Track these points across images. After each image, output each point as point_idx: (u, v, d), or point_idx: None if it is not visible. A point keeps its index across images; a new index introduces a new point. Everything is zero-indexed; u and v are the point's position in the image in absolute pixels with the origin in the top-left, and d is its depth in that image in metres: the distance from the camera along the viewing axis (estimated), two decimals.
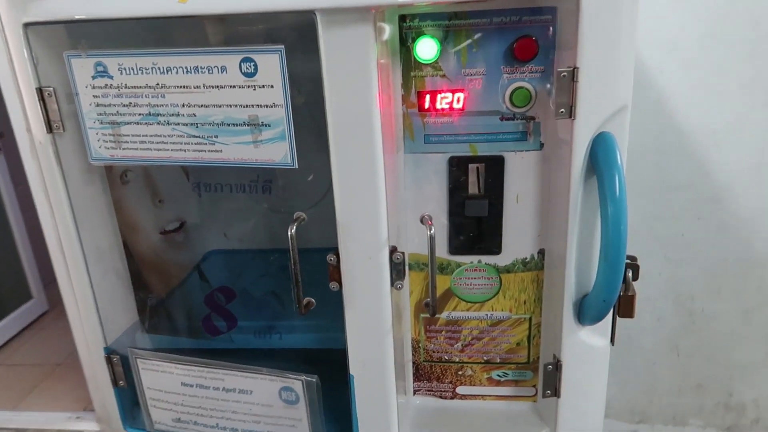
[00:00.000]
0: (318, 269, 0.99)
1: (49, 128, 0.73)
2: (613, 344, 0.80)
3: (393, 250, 0.68)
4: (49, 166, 0.75)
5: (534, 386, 0.85)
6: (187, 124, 0.68)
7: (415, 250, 0.78)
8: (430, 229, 0.66)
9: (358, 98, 0.62)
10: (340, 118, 0.63)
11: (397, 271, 0.69)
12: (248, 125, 0.66)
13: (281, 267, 0.93)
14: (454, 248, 0.78)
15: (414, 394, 0.87)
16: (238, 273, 0.92)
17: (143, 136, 0.70)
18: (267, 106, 0.65)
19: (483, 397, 0.86)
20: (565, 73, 0.65)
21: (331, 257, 0.69)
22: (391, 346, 0.72)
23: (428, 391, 0.87)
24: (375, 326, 0.71)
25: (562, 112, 0.66)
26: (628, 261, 0.75)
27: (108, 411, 2.34)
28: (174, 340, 0.86)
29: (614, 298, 0.70)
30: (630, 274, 0.79)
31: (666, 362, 1.71)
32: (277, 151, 0.66)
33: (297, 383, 0.76)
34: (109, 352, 0.84)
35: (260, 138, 0.66)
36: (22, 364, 2.82)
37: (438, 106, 0.71)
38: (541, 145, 0.72)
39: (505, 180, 0.74)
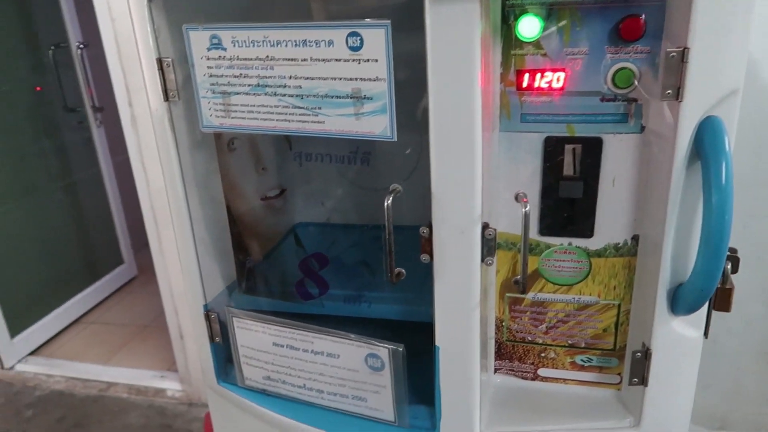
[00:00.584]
0: (403, 246, 1.02)
1: (166, 97, 0.78)
2: (706, 337, 0.78)
3: (485, 227, 0.69)
4: (163, 133, 0.81)
5: (619, 374, 0.84)
6: (293, 96, 0.71)
7: (504, 229, 0.79)
8: (525, 206, 0.67)
9: (461, 75, 0.63)
10: (442, 93, 0.64)
11: (488, 247, 0.70)
12: (351, 98, 0.68)
13: (372, 239, 0.96)
14: (545, 229, 0.78)
15: (495, 372, 0.88)
16: (329, 243, 0.96)
17: (251, 106, 0.74)
18: (370, 79, 0.67)
19: (565, 381, 0.86)
20: (674, 54, 0.63)
21: (423, 230, 0.70)
22: (478, 320, 0.73)
23: (509, 370, 0.88)
24: (463, 300, 0.72)
25: (668, 93, 0.64)
26: (729, 253, 0.73)
27: (190, 372, 2.46)
28: (268, 302, 0.91)
29: (712, 288, 0.68)
30: (729, 266, 0.76)
31: (753, 368, 1.63)
32: (378, 123, 0.68)
33: (383, 351, 0.79)
34: (208, 310, 0.90)
35: (362, 111, 0.68)
36: (113, 324, 3.04)
37: (537, 85, 0.71)
38: (642, 128, 0.71)
39: (602, 162, 0.73)
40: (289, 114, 0.73)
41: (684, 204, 0.69)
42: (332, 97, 0.69)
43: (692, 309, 0.73)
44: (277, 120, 0.74)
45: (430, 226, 0.70)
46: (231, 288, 0.93)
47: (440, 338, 0.75)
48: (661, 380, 0.77)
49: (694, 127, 0.65)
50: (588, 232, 0.77)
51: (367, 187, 0.84)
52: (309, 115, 0.71)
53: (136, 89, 1.92)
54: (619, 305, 0.80)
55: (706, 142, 0.65)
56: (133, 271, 3.50)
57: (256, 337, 0.87)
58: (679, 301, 0.73)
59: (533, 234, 0.78)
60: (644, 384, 0.77)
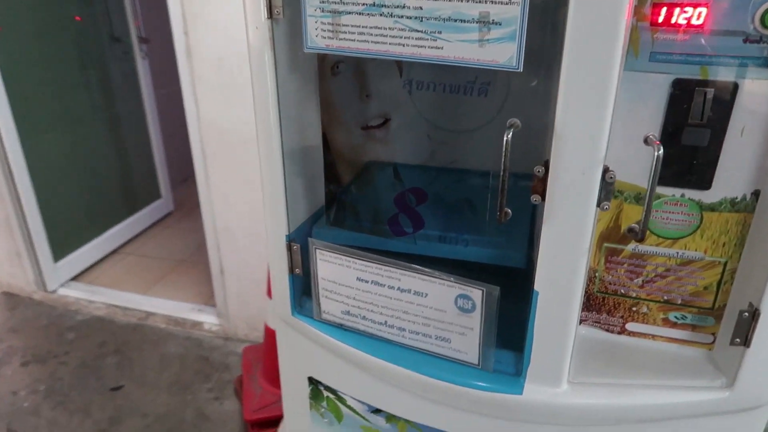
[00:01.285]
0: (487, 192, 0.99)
1: (270, 14, 0.75)
2: None
3: (606, 170, 0.66)
4: (261, 54, 0.78)
5: (713, 334, 0.81)
6: (411, 17, 0.67)
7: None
8: (658, 149, 0.63)
9: (608, 3, 0.58)
10: (583, 21, 0.59)
11: (607, 191, 0.66)
12: (477, 22, 0.64)
13: (475, 181, 0.93)
14: (660, 176, 0.74)
15: (580, 323, 0.86)
16: (428, 181, 0.92)
17: (363, 27, 0.70)
18: (502, 2, 0.62)
19: (654, 336, 0.84)
20: None
21: (538, 169, 0.67)
22: (584, 268, 0.70)
23: (595, 322, 0.86)
24: (573, 244, 0.69)
25: None
26: None
27: (228, 307, 2.49)
28: (355, 236, 0.89)
29: None
30: None
31: None
32: (503, 51, 0.64)
33: (477, 292, 0.77)
34: (290, 240, 0.89)
35: (488, 37, 0.64)
36: (150, 256, 3.08)
37: (674, 20, 0.66)
38: None
39: (733, 109, 0.68)
40: (405, 37, 0.68)
41: None
42: (456, 20, 0.65)
43: None
44: (390, 44, 0.70)
45: (546, 165, 0.67)
46: (316, 217, 0.91)
47: (540, 283, 0.73)
48: (765, 339, 0.74)
49: None
50: (706, 183, 0.73)
51: (479, 125, 0.80)
52: (427, 39, 0.67)
53: (193, 16, 1.87)
54: (726, 263, 0.77)
55: None
56: (170, 206, 3.53)
57: (340, 271, 0.85)
58: None
59: (644, 182, 0.74)
60: (746, 345, 0.75)
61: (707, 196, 0.74)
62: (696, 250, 0.77)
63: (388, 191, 0.92)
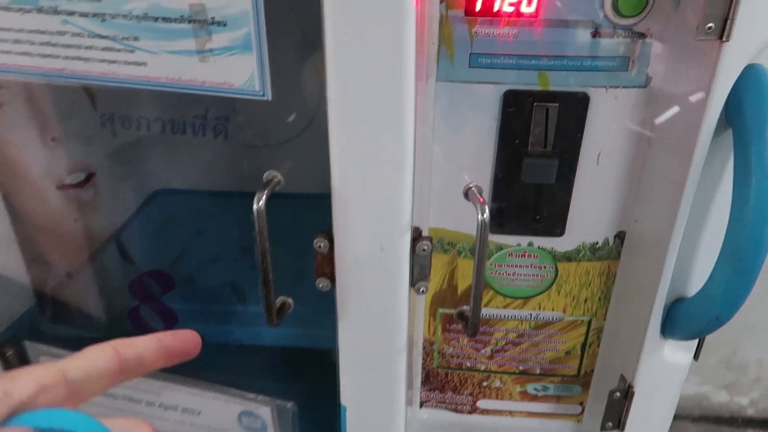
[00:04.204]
0: (297, 223, 0.75)
1: None
2: (696, 359, 0.59)
3: (417, 236, 0.44)
4: None
5: (581, 403, 0.64)
6: (87, 15, 0.41)
7: (438, 224, 0.54)
8: (483, 212, 0.42)
9: None
10: (349, 16, 0.36)
11: (421, 266, 0.45)
12: (190, 22, 0.39)
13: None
14: (497, 225, 0.54)
15: (421, 406, 0.66)
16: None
17: (17, 31, 0.43)
18: None
19: (512, 413, 0.65)
20: None
21: (319, 243, 0.44)
22: (404, 372, 0.49)
23: (440, 402, 0.66)
24: (382, 345, 0.47)
25: (709, 29, 0.40)
26: None
27: None
28: (89, 331, 0.62)
29: (734, 312, 0.48)
30: None
31: None
32: (238, 68, 0.40)
33: (264, 409, 0.53)
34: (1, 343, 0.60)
35: (209, 45, 0.39)
36: None
37: (497, 7, 0.45)
38: (648, 80, 0.47)
39: (585, 130, 0.49)
40: (86, 48, 0.42)
41: (699, 191, 0.48)
42: (157, 19, 0.39)
43: (698, 335, 0.53)
44: (65, 57, 0.43)
45: (329, 237, 0.44)
46: (33, 314, 0.63)
47: (347, 396, 0.51)
48: (641, 421, 0.58)
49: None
50: (558, 229, 0.54)
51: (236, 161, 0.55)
52: (119, 50, 0.41)
53: None
54: (590, 322, 0.59)
55: (748, 101, 0.43)
56: None
57: None
58: (678, 324, 0.53)
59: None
60: (620, 429, 0.58)
61: (562, 243, 0.55)
62: (553, 310, 0.59)
63: (118, 271, 0.65)
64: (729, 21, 0.40)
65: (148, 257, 0.67)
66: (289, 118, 0.44)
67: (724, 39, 0.40)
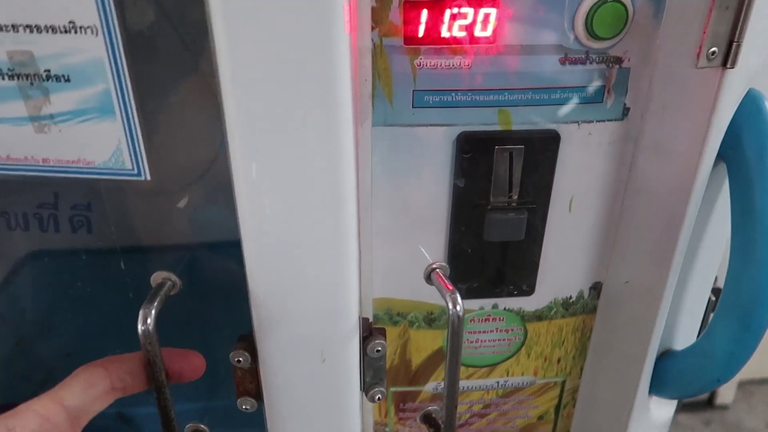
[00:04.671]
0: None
1: None
2: (677, 412, 0.53)
3: (367, 334, 0.34)
4: None
5: None
6: None
7: (384, 294, 0.44)
8: (455, 303, 0.32)
9: (303, 10, 0.24)
10: (259, 50, 0.25)
11: (375, 369, 0.35)
12: (13, 77, 0.26)
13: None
14: (458, 288, 0.44)
15: None
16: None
17: None
18: (61, 30, 0.25)
19: None
20: None
21: (237, 357, 0.33)
22: None
23: None
24: None
25: (713, 53, 0.33)
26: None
27: None
28: None
29: (736, 371, 0.41)
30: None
31: None
32: (95, 139, 0.28)
33: None
34: None
35: (47, 110, 0.27)
36: None
37: (446, 33, 0.35)
38: (625, 112, 0.39)
39: (556, 174, 0.41)
40: None
41: (691, 238, 0.41)
42: None
43: (694, 395, 0.47)
44: None
45: (250, 347, 0.33)
46: None
47: None
48: None
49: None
50: (527, 287, 0.45)
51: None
52: None
53: None
54: (563, 382, 0.52)
55: (748, 133, 0.36)
56: None
57: None
58: (671, 382, 0.46)
59: (429, 296, 0.44)
60: None
61: (531, 303, 0.46)
62: (523, 374, 0.50)
63: None
64: (735, 44, 0.32)
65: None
66: (180, 203, 0.32)
67: (728, 65, 0.33)
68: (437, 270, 0.36)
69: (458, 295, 0.32)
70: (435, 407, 0.41)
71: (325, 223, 0.30)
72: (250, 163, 0.28)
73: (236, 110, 0.27)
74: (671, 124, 0.37)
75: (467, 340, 0.48)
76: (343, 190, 0.30)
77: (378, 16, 0.34)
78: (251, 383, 0.34)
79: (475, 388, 0.50)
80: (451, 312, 0.32)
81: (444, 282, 0.34)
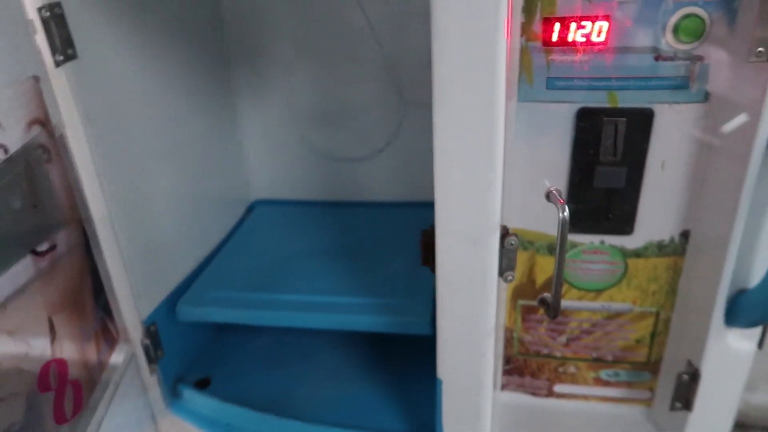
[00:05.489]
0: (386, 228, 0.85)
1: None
2: (761, 348, 0.64)
3: (505, 233, 0.52)
4: None
5: (651, 389, 0.70)
6: None
7: (518, 225, 0.62)
8: (563, 210, 0.50)
9: (480, 20, 0.44)
10: (452, 47, 0.45)
11: (508, 258, 0.53)
12: None
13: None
14: (572, 224, 0.61)
15: (502, 389, 0.73)
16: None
17: None
18: None
19: (586, 397, 0.72)
20: None
21: (424, 235, 0.53)
22: (492, 350, 0.57)
23: (519, 386, 0.73)
24: (474, 326, 0.56)
25: (760, 52, 0.47)
26: None
27: None
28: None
29: None
30: None
31: None
32: None
33: None
34: (149, 325, 0.72)
35: None
36: None
37: (571, 38, 0.53)
38: (706, 96, 0.54)
39: (651, 141, 0.56)
40: None
41: (757, 192, 0.54)
42: None
43: (756, 323, 0.59)
44: None
45: (430, 234, 0.53)
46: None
47: (443, 370, 0.59)
48: (708, 402, 0.63)
49: None
50: (627, 228, 0.61)
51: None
52: None
53: None
54: (658, 313, 0.65)
55: None
56: None
57: None
58: (740, 313, 0.58)
59: (554, 229, 0.61)
60: (689, 409, 0.64)
61: (630, 241, 0.62)
62: (623, 302, 0.65)
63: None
64: None
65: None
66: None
67: None
68: (553, 191, 0.53)
69: (566, 207, 0.50)
70: (548, 294, 0.58)
71: (484, 160, 0.49)
72: (446, 118, 0.48)
73: (441, 90, 0.47)
74: (738, 104, 0.51)
75: (579, 268, 0.64)
76: (496, 144, 0.48)
77: (525, 27, 0.53)
78: (429, 256, 0.54)
79: (585, 308, 0.66)
80: (560, 217, 0.49)
81: (558, 198, 0.51)
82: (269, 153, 1.00)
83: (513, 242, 0.52)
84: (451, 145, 0.48)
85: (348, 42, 0.89)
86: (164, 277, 0.77)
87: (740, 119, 0.52)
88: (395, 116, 0.92)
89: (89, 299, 0.64)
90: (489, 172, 0.49)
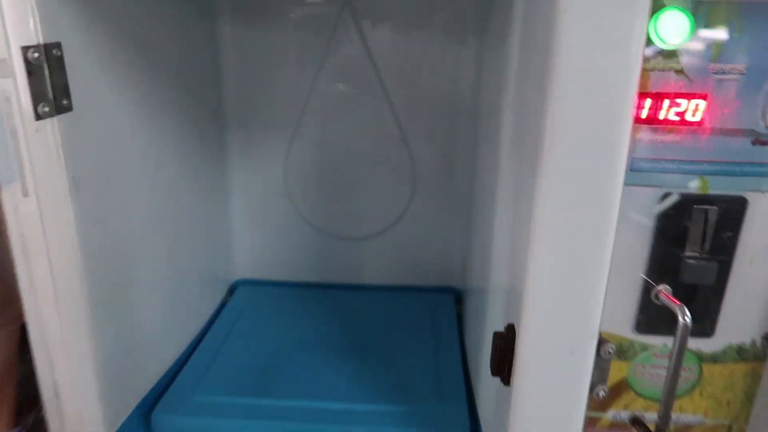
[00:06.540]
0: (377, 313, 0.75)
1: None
2: None
3: (601, 340, 0.43)
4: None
5: None
6: None
7: None
8: (683, 313, 0.42)
9: (610, 90, 0.37)
10: (570, 111, 0.38)
11: (601, 369, 0.44)
12: None
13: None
14: (644, 325, 0.53)
15: None
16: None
17: None
18: None
19: None
20: None
21: (499, 338, 0.43)
22: None
23: None
24: None
25: None
26: None
27: None
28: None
29: None
30: None
31: None
32: None
33: None
34: None
35: None
36: None
37: (663, 116, 0.47)
38: None
39: (741, 233, 0.50)
40: None
41: None
42: None
43: None
44: None
45: (509, 334, 0.43)
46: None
47: None
48: None
49: None
50: (707, 329, 0.53)
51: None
52: None
53: None
54: (730, 426, 0.58)
55: None
56: None
57: None
58: None
59: (626, 330, 0.53)
60: None
61: (709, 344, 0.54)
62: (694, 413, 0.57)
63: None
64: None
65: None
66: None
67: None
68: (662, 290, 0.45)
69: (686, 308, 0.42)
70: (639, 413, 0.49)
71: (591, 251, 0.41)
72: (552, 204, 0.40)
73: (551, 170, 0.39)
74: None
75: (648, 374, 0.56)
76: (608, 231, 0.41)
77: None
78: (505, 366, 0.44)
79: (651, 421, 0.57)
80: (680, 322, 0.41)
81: (671, 298, 0.43)
82: (258, 225, 0.89)
83: (610, 350, 0.44)
84: (558, 236, 0.40)
85: (358, 110, 0.82)
86: (138, 376, 0.63)
87: None
88: (404, 193, 0.84)
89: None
90: (597, 265, 0.40)
